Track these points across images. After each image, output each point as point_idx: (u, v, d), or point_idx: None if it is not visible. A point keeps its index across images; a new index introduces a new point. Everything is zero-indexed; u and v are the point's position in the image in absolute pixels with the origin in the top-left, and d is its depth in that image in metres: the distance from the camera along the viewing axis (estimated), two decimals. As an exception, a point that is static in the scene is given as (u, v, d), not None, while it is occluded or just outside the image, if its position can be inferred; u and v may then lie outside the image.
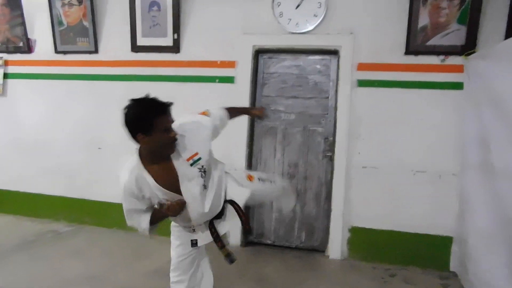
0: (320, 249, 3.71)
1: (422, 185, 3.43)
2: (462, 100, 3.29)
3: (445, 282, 3.19)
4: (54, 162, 4.30)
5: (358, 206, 3.56)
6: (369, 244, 3.55)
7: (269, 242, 3.83)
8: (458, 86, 3.32)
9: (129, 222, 2.13)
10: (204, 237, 2.17)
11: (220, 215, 2.12)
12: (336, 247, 3.58)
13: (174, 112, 3.89)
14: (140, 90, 3.98)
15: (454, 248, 3.37)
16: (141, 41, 3.93)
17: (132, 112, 1.80)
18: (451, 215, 3.36)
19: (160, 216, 2.05)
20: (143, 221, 2.07)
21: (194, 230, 2.17)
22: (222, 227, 2.14)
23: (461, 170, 3.31)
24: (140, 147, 1.87)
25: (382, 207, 3.51)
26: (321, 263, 3.53)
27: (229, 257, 2.08)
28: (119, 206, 4.05)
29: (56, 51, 4.19)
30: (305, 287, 3.01)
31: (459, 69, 3.31)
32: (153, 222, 2.09)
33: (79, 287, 2.81)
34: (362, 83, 3.50)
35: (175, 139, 1.83)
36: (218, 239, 2.08)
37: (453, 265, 3.38)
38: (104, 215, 4.14)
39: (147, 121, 1.74)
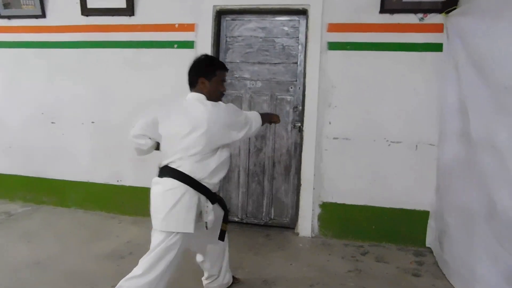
0: (290, 226, 3.49)
1: (398, 156, 3.18)
2: (441, 63, 2.99)
3: (420, 259, 3.00)
4: (7, 138, 3.98)
5: (330, 180, 3.31)
6: (341, 220, 3.33)
7: (236, 219, 3.60)
8: (437, 47, 3.01)
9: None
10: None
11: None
12: (307, 224, 3.35)
13: (135, 83, 3.59)
14: (93, 58, 3.70)
15: (430, 223, 3.17)
16: (92, 3, 3.54)
17: (202, 58, 2.11)
18: (428, 189, 3.14)
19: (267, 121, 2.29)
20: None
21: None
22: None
23: (440, 140, 3.05)
24: (195, 90, 2.06)
25: (355, 181, 3.27)
26: (291, 241, 3.31)
27: (224, 234, 2.19)
28: (78, 185, 3.83)
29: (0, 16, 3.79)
30: (270, 268, 2.79)
31: (439, 28, 3.00)
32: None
33: (18, 274, 2.56)
34: (333, 46, 3.17)
35: (224, 93, 2.14)
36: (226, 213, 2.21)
37: (429, 241, 3.18)
38: (63, 194, 3.88)
39: (212, 69, 2.05)
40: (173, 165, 1.93)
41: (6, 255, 2.86)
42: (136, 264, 2.69)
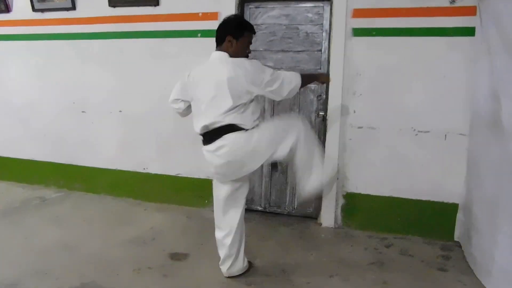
0: (313, 216, 3.45)
1: (426, 146, 3.05)
2: (473, 49, 2.83)
3: (447, 254, 2.88)
4: (40, 126, 4.16)
5: (354, 170, 3.24)
6: (365, 211, 3.25)
7: (259, 208, 3.60)
8: (469, 32, 2.85)
9: None
10: None
11: None
12: (330, 214, 3.30)
13: (160, 72, 3.63)
14: (120, 48, 3.78)
15: (459, 216, 3.03)
16: (118, -6, 3.61)
17: (233, 18, 2.21)
18: (457, 180, 3.00)
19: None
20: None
21: None
22: None
23: (470, 129, 2.91)
24: (220, 48, 2.15)
25: (380, 171, 3.18)
26: (313, 231, 3.28)
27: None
28: (107, 172, 3.96)
29: (34, 9, 3.93)
30: (290, 258, 2.78)
31: (471, 11, 2.83)
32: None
33: (45, 256, 2.67)
34: (358, 32, 3.07)
35: (248, 55, 2.21)
36: None
37: (458, 235, 3.05)
38: (93, 180, 4.01)
39: (241, 29, 2.13)
40: (219, 125, 2.04)
41: (36, 237, 3.00)
42: (157, 249, 2.79)
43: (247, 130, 2.06)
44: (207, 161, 2.18)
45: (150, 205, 3.74)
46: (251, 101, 2.09)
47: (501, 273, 2.29)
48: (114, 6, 3.66)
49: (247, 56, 2.19)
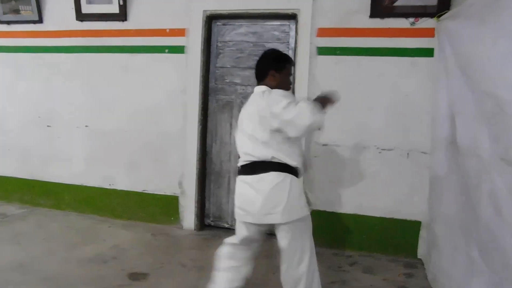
0: (280, 233, 3.43)
1: (389, 164, 3.09)
2: (433, 69, 2.90)
3: (409, 271, 2.89)
4: (6, 140, 4.05)
5: (320, 188, 3.24)
6: (331, 229, 3.25)
7: (226, 225, 3.57)
8: (429, 52, 2.93)
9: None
10: None
11: None
12: (296, 231, 3.28)
13: (128, 87, 3.61)
14: (88, 62, 3.74)
15: (422, 233, 3.06)
16: (85, 8, 3.59)
17: (274, 52, 2.22)
18: (420, 198, 3.03)
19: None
20: None
21: None
22: None
23: (432, 148, 2.95)
24: (263, 83, 2.11)
25: (345, 189, 3.20)
26: (278, 248, 3.24)
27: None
28: (72, 188, 3.87)
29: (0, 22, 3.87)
30: (253, 277, 2.73)
31: (430, 33, 2.92)
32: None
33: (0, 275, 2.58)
34: (323, 51, 3.12)
35: (291, 86, 2.22)
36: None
37: (421, 252, 3.07)
38: (57, 197, 3.92)
39: (283, 62, 2.11)
40: (260, 159, 1.96)
41: (-8, 256, 2.89)
42: (117, 268, 2.72)
43: (288, 170, 1.95)
44: (238, 190, 2.07)
45: (116, 222, 3.67)
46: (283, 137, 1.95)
47: (457, 291, 2.31)
48: (81, 20, 3.63)
49: (289, 88, 2.15)
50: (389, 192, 3.11)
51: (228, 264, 2.18)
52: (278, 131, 1.92)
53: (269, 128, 1.93)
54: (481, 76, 2.09)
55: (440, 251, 2.62)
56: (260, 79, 2.12)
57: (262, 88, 2.08)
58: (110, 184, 3.73)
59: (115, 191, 3.73)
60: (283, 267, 2.11)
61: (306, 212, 2.02)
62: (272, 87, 2.04)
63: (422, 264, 2.99)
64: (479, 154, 2.10)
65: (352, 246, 3.20)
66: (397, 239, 3.13)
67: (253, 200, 1.95)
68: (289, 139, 1.95)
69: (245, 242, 2.13)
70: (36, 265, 2.75)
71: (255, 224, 2.03)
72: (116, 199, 3.73)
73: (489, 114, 1.98)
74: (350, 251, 3.18)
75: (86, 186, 3.82)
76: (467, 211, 2.26)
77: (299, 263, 2.06)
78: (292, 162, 1.97)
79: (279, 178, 1.94)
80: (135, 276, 2.65)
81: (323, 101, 2.04)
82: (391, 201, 3.11)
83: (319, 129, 2.00)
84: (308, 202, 2.08)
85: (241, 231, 2.11)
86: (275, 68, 2.07)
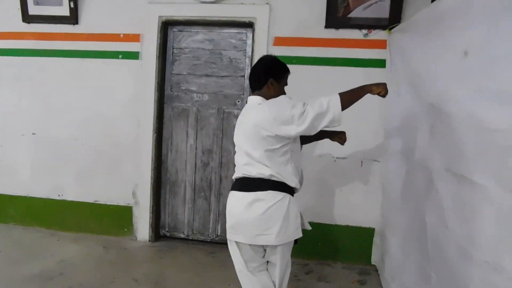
0: (237, 243, 3.39)
1: (344, 172, 3.14)
2: (385, 80, 2.96)
3: (363, 278, 2.94)
4: None
5: (277, 196, 3.23)
6: (288, 237, 3.25)
7: (182, 236, 3.48)
8: (381, 63, 3.01)
9: None
10: None
11: None
12: (253, 241, 3.26)
13: (79, 93, 3.45)
14: (35, 66, 3.54)
15: (375, 240, 3.12)
16: (33, 9, 3.40)
17: (274, 58, 1.98)
18: (374, 205, 3.09)
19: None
20: None
21: None
22: None
23: (384, 157, 3.03)
24: (259, 93, 1.93)
25: (300, 196, 3.18)
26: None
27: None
28: (17, 199, 3.64)
29: None
30: (208, 289, 2.69)
31: (382, 44, 3.00)
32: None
33: None
34: (279, 60, 3.12)
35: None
36: None
37: (374, 259, 3.14)
38: (0, 209, 3.66)
39: (283, 71, 1.96)
40: (259, 176, 1.81)
41: None
42: (63, 285, 2.57)
43: (286, 189, 1.86)
44: (230, 206, 1.93)
45: (65, 235, 3.48)
46: (287, 150, 1.84)
47: (408, 298, 2.36)
48: (28, 22, 3.44)
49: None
50: (344, 200, 3.15)
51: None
52: (283, 143, 1.80)
53: (275, 142, 1.78)
54: (428, 90, 2.16)
55: (393, 258, 2.68)
56: (257, 87, 1.93)
57: (257, 99, 1.89)
58: (59, 195, 3.54)
59: (64, 202, 3.54)
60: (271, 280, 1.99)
61: (300, 234, 1.91)
62: (267, 98, 1.87)
63: (376, 270, 3.05)
64: (426, 165, 2.16)
65: (308, 255, 3.20)
66: (351, 246, 3.18)
67: (247, 219, 1.82)
68: (288, 159, 1.84)
69: (248, 267, 1.95)
70: (-27, 285, 2.56)
71: (246, 244, 1.88)
72: (66, 211, 3.54)
73: (435, 127, 2.05)
74: (306, 260, 3.18)
75: (32, 197, 3.60)
76: (416, 220, 2.32)
77: (284, 276, 1.99)
78: (291, 182, 1.87)
79: (277, 197, 1.81)
80: (82, 293, 2.52)
81: (361, 91, 1.98)
82: (345, 209, 3.15)
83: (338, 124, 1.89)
84: (302, 224, 1.99)
85: (234, 253, 1.95)
86: (274, 77, 1.91)
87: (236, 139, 1.95)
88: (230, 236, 1.91)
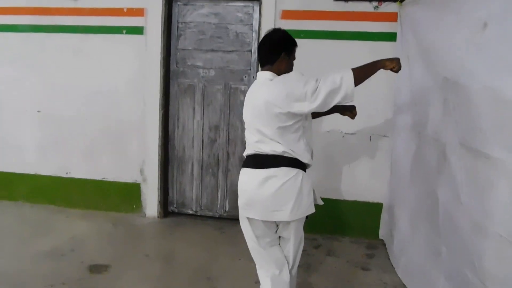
0: (245, 219, 3.42)
1: (352, 148, 3.13)
2: (395, 54, 2.91)
3: (371, 252, 2.98)
4: None
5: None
6: (296, 212, 3.27)
7: (190, 212, 3.51)
8: (392, 37, 2.94)
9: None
10: None
11: None
12: (261, 216, 3.28)
13: (82, 70, 3.41)
14: (37, 42, 3.48)
15: (383, 215, 3.14)
16: (33, -17, 3.31)
17: (284, 31, 1.91)
18: (382, 181, 3.10)
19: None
20: None
21: None
22: None
23: (393, 132, 3.01)
24: (270, 68, 1.85)
25: (309, 172, 3.20)
26: (242, 235, 3.22)
27: None
28: (24, 177, 3.64)
29: None
30: (217, 264, 2.72)
31: (393, 17, 2.93)
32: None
33: None
34: (287, 34, 3.06)
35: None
36: None
37: (382, 233, 3.16)
38: (8, 187, 3.67)
39: (293, 45, 1.89)
40: (272, 152, 1.78)
41: None
42: (76, 261, 2.60)
43: (299, 165, 1.82)
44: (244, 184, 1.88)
45: (73, 212, 3.50)
46: (299, 127, 1.81)
47: (417, 271, 2.39)
48: (29, -3, 3.36)
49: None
50: (352, 175, 3.15)
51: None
52: (296, 120, 1.77)
53: (287, 118, 1.74)
54: (442, 64, 2.11)
55: (402, 232, 2.70)
56: (268, 62, 1.84)
57: (268, 75, 1.82)
58: (67, 173, 3.54)
59: (72, 180, 3.55)
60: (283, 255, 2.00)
61: (313, 209, 1.89)
62: (278, 73, 1.81)
63: (384, 244, 3.09)
64: (439, 140, 2.15)
65: (316, 230, 3.22)
66: (359, 221, 3.21)
67: (261, 195, 1.79)
68: (300, 135, 1.82)
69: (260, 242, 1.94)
70: (-14, 261, 2.59)
71: (259, 221, 1.85)
72: (73, 188, 3.55)
73: (449, 100, 2.02)
74: (314, 234, 3.21)
75: (39, 175, 3.60)
76: (427, 194, 2.32)
77: (297, 251, 2.03)
78: (304, 159, 1.83)
79: (290, 174, 1.78)
80: (95, 269, 2.55)
81: (374, 67, 1.91)
82: (353, 184, 3.16)
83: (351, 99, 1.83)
84: (315, 199, 1.97)
85: (247, 230, 1.92)
86: (287, 51, 1.84)
87: (246, 116, 1.90)
88: (243, 213, 1.90)
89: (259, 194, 1.80)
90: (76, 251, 2.79)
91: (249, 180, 1.85)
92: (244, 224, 1.94)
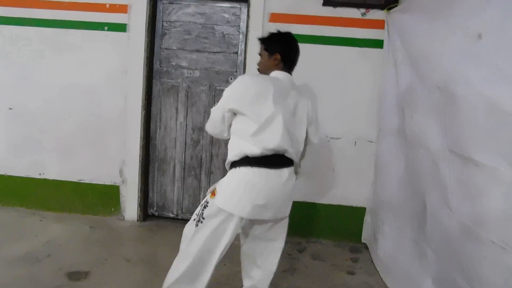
0: (228, 222, 3.37)
1: (337, 152, 3.15)
2: (381, 60, 2.97)
3: (355, 256, 3.00)
4: None
5: (269, 176, 3.22)
6: (279, 216, 3.26)
7: (171, 215, 3.42)
8: (378, 43, 2.99)
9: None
10: None
11: None
12: (244, 220, 3.25)
13: (60, 66, 3.25)
14: (11, 35, 3.29)
15: (366, 219, 3.18)
16: (7, -27, 3.14)
17: (293, 38, 1.98)
18: (366, 185, 3.14)
19: None
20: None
21: None
22: None
23: (378, 136, 3.05)
24: (289, 72, 1.97)
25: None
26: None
27: None
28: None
29: None
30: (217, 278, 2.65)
31: (380, 24, 2.98)
32: None
33: None
34: (275, 37, 3.04)
35: None
36: None
37: (365, 237, 3.20)
38: (-25, 188, 3.46)
39: (292, 52, 1.95)
40: (286, 154, 1.82)
41: None
42: (53, 267, 2.47)
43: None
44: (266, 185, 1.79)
45: (48, 214, 3.33)
46: None
47: (403, 275, 2.43)
48: (2, -13, 3.18)
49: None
50: (337, 179, 3.17)
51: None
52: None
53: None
54: (432, 71, 2.15)
55: (386, 236, 2.74)
56: (292, 66, 2.00)
57: (291, 78, 1.97)
58: (40, 174, 3.37)
59: (45, 181, 3.37)
60: (274, 260, 2.05)
61: None
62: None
63: (367, 248, 3.12)
64: (427, 146, 2.19)
65: (300, 233, 3.23)
66: (343, 224, 3.23)
67: (284, 193, 1.83)
68: None
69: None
70: (-46, 268, 2.41)
71: (260, 220, 1.88)
72: (48, 190, 3.38)
73: (439, 108, 2.06)
74: (298, 238, 3.21)
75: (9, 176, 3.40)
76: (414, 199, 2.37)
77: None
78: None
79: (293, 171, 1.92)
80: (75, 276, 2.43)
81: None
82: (338, 188, 3.18)
83: None
84: None
85: (229, 232, 1.81)
86: (281, 54, 1.95)
87: (273, 112, 1.76)
88: (253, 215, 1.79)
89: (283, 193, 1.82)
90: (53, 256, 2.65)
91: (271, 181, 1.78)
92: (232, 225, 1.79)
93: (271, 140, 1.75)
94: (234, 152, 1.80)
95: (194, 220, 1.85)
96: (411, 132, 2.41)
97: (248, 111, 1.75)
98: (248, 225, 1.98)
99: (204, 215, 1.81)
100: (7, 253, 2.63)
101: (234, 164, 1.81)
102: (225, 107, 1.83)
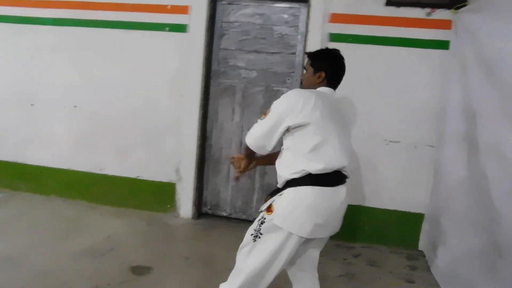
0: (281, 223, 3.36)
1: (395, 156, 3.06)
2: (447, 62, 2.86)
3: (412, 264, 2.91)
4: (-19, 119, 3.71)
5: (324, 178, 3.18)
6: (333, 219, 3.22)
7: (224, 214, 3.46)
8: (443, 45, 2.87)
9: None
10: None
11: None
12: (298, 222, 3.23)
13: (122, 66, 3.37)
14: (77, 37, 3.44)
15: (424, 226, 3.08)
16: (75, -23, 3.27)
17: (340, 57, 1.94)
18: (424, 191, 3.03)
19: None
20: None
21: None
22: None
23: (439, 141, 2.94)
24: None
25: (350, 179, 3.14)
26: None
27: None
28: (58, 172, 3.61)
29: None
30: None
31: (446, 25, 2.86)
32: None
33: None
34: (335, 38, 3.00)
35: None
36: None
37: (422, 245, 3.10)
38: (41, 180, 3.65)
39: (338, 72, 1.91)
40: (343, 171, 1.77)
41: (-26, 247, 2.65)
42: (116, 261, 2.56)
43: None
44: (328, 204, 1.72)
45: (106, 209, 3.47)
46: None
47: (470, 286, 2.33)
48: (70, -10, 3.32)
49: None
50: (394, 184, 3.09)
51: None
52: None
53: None
54: (508, 74, 2.05)
55: (448, 245, 2.64)
56: (336, 85, 1.91)
57: (334, 94, 1.90)
58: (100, 169, 3.50)
59: (105, 176, 3.51)
60: (314, 275, 2.05)
61: None
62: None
63: (424, 256, 3.02)
64: (503, 153, 2.08)
65: (354, 238, 3.18)
66: (398, 230, 3.14)
67: (342, 211, 1.78)
68: None
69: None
70: (26, 258, 2.54)
71: (315, 239, 1.81)
72: (107, 185, 3.51)
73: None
74: (352, 243, 3.16)
75: (72, 170, 3.57)
76: (483, 208, 2.26)
77: None
78: None
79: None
80: (138, 270, 2.51)
81: None
82: (395, 193, 3.10)
83: None
84: None
85: (287, 252, 1.69)
86: (327, 73, 1.87)
87: (332, 127, 1.71)
88: (312, 235, 1.71)
89: (341, 211, 1.77)
90: (115, 250, 2.75)
91: (332, 200, 1.72)
92: (289, 244, 1.69)
93: (333, 156, 1.70)
94: (291, 170, 1.70)
95: (252, 235, 1.80)
96: (483, 139, 2.30)
97: (311, 122, 1.67)
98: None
99: (261, 231, 1.75)
100: (72, 246, 2.75)
101: (293, 183, 1.71)
102: (279, 121, 1.70)
